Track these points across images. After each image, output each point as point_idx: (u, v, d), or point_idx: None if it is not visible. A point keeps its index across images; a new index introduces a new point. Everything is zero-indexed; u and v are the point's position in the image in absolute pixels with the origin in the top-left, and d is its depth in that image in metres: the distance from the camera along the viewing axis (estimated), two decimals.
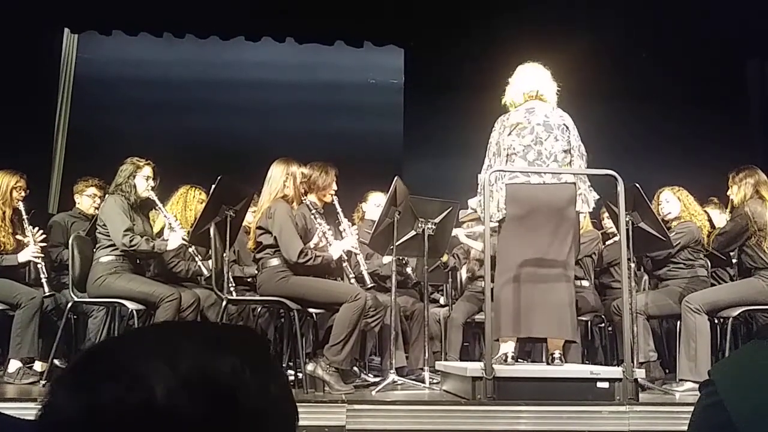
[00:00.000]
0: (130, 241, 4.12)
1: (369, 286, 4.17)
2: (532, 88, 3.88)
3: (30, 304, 4.18)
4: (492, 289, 3.62)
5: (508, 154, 3.78)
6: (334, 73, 8.01)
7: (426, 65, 7.34)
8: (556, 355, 3.67)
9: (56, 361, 4.18)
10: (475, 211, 3.99)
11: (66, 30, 7.34)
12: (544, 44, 6.13)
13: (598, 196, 3.92)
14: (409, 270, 5.21)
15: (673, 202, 4.65)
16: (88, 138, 7.17)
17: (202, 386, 0.63)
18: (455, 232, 4.96)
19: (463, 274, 5.46)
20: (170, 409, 0.61)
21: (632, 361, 3.51)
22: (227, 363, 0.65)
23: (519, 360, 3.98)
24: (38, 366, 4.25)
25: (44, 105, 7.08)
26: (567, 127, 3.84)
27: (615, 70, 6.97)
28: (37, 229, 4.56)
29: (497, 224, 3.78)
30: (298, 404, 0.71)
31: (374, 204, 5.22)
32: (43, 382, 4.05)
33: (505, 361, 3.64)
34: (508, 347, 3.70)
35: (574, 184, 3.78)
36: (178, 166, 5.48)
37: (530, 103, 3.85)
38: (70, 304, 4.23)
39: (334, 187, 4.42)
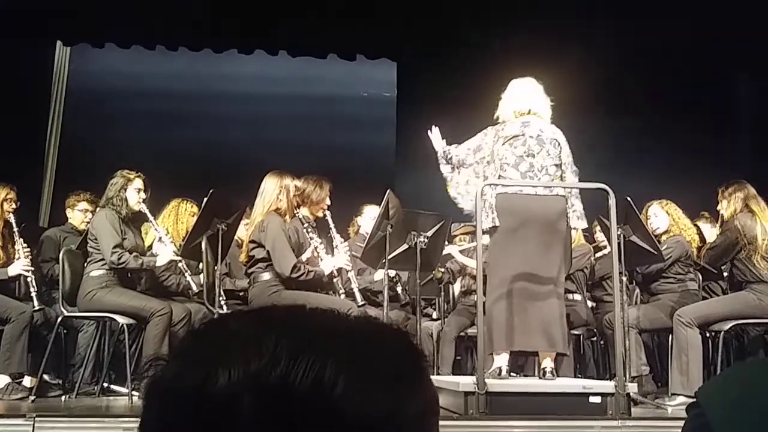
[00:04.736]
0: (119, 258, 4.11)
1: (360, 303, 4.15)
2: (523, 107, 3.88)
3: (19, 318, 4.15)
4: (484, 303, 3.62)
5: (500, 165, 3.80)
6: (326, 86, 8.02)
7: (418, 78, 7.37)
8: (548, 369, 3.67)
9: (45, 377, 4.14)
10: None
11: (58, 42, 7.33)
12: (535, 58, 6.16)
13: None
14: (399, 289, 5.19)
15: (661, 217, 4.67)
16: (80, 151, 7.15)
17: (284, 392, 0.53)
18: (449, 249, 4.96)
19: (456, 288, 5.45)
20: (229, 403, 0.53)
21: (624, 376, 3.51)
22: (339, 371, 0.54)
23: (511, 374, 3.97)
24: (27, 381, 4.21)
25: (36, 117, 7.06)
26: (559, 143, 3.86)
27: (605, 84, 7.01)
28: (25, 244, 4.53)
29: (488, 231, 3.78)
30: None
31: (369, 217, 5.22)
32: (32, 397, 4.01)
33: (499, 375, 3.63)
34: (501, 360, 3.69)
35: (565, 198, 3.80)
36: (170, 179, 5.47)
37: (525, 117, 3.87)
38: (60, 319, 4.20)
39: (328, 201, 4.42)
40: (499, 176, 3.76)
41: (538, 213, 3.73)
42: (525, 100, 3.90)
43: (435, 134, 4.09)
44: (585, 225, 3.95)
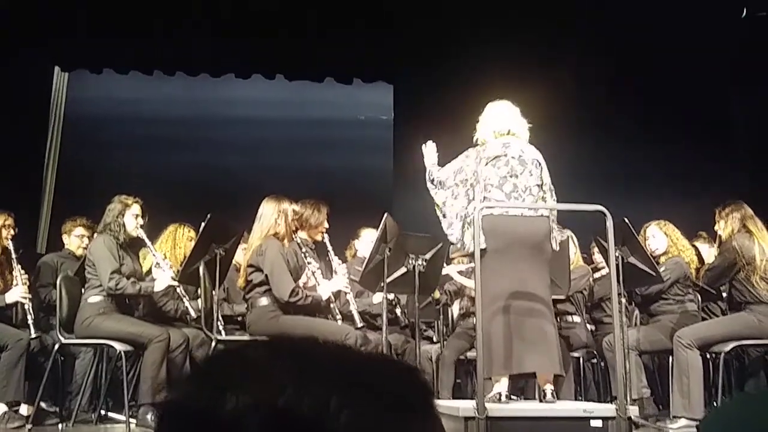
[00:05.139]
0: (116, 284, 4.10)
1: (359, 326, 4.14)
2: (502, 127, 3.90)
3: (16, 345, 4.13)
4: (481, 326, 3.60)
5: (485, 186, 3.80)
6: (323, 109, 8.06)
7: (415, 101, 7.40)
8: (548, 391, 3.64)
9: (42, 404, 4.10)
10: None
11: (56, 68, 7.38)
12: (532, 78, 6.22)
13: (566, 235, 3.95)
14: (398, 312, 5.17)
15: (659, 237, 4.66)
16: (78, 176, 7.16)
17: (290, 420, 0.54)
18: (447, 270, 4.94)
19: (455, 310, 5.43)
20: (235, 426, 0.54)
21: (625, 398, 3.48)
22: (334, 401, 0.55)
23: (512, 397, 3.94)
24: (24, 409, 4.17)
25: (34, 144, 7.07)
26: (540, 164, 3.87)
27: (602, 104, 7.05)
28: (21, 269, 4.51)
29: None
30: None
31: (367, 241, 5.21)
32: (29, 426, 3.97)
33: (499, 400, 3.60)
34: (501, 387, 3.66)
35: (548, 218, 3.81)
36: (168, 204, 5.48)
37: (504, 138, 3.90)
38: (57, 346, 4.18)
39: (326, 225, 4.42)
40: (484, 197, 3.76)
41: (524, 234, 3.72)
42: (503, 121, 3.91)
43: (429, 148, 4.08)
44: (555, 248, 3.92)
